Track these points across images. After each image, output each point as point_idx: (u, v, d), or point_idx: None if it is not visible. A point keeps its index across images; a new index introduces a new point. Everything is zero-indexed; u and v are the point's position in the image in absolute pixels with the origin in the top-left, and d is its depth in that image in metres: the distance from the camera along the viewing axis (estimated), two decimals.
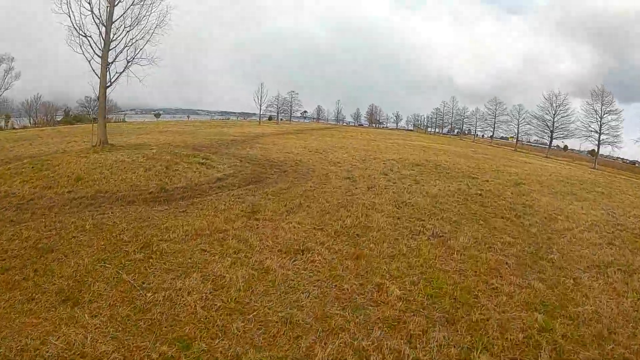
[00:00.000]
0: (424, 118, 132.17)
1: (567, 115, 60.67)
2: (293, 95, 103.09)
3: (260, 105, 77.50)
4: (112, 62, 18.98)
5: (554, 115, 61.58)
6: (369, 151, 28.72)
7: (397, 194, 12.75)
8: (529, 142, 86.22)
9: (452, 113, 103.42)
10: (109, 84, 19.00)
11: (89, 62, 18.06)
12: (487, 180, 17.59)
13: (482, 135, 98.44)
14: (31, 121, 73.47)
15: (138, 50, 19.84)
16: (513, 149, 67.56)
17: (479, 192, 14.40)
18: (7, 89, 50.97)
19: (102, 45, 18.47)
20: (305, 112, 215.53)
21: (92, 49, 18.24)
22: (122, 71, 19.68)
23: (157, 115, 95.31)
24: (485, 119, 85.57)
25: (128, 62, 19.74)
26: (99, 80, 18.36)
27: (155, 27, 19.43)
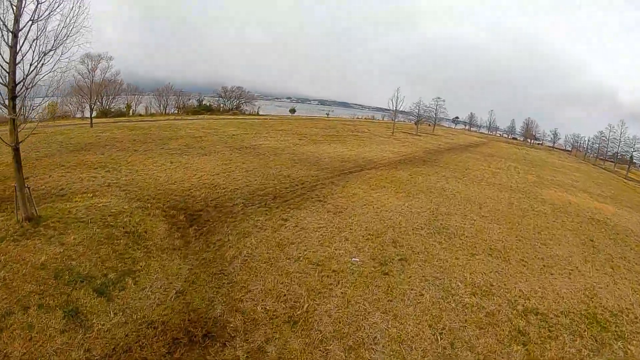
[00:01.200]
0: (585, 141, 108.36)
1: None
2: (439, 103, 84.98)
3: (395, 111, 63.33)
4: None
5: None
6: None
7: None
8: None
9: (619, 141, 79.81)
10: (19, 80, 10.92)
11: None
12: None
13: None
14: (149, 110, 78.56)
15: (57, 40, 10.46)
16: None
17: None
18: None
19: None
20: (456, 117, 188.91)
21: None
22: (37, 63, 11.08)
23: (292, 111, 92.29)
24: None
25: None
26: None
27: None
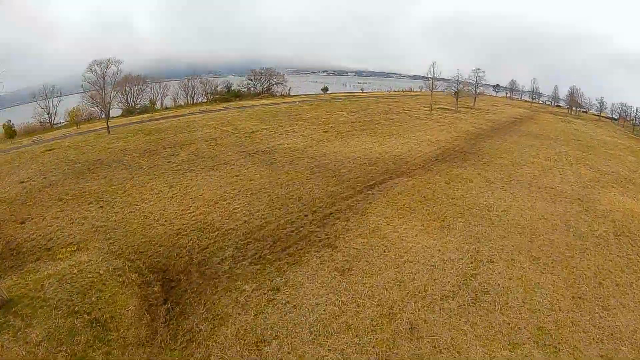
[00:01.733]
0: (635, 110, 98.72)
1: None
2: (478, 74, 75.62)
3: (432, 83, 56.84)
4: None
5: None
6: None
7: None
8: None
9: None
10: None
11: None
12: None
13: None
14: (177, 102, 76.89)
15: None
16: None
17: None
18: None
19: None
20: (497, 85, 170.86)
21: None
22: None
23: (325, 90, 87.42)
24: None
25: None
26: None
27: None
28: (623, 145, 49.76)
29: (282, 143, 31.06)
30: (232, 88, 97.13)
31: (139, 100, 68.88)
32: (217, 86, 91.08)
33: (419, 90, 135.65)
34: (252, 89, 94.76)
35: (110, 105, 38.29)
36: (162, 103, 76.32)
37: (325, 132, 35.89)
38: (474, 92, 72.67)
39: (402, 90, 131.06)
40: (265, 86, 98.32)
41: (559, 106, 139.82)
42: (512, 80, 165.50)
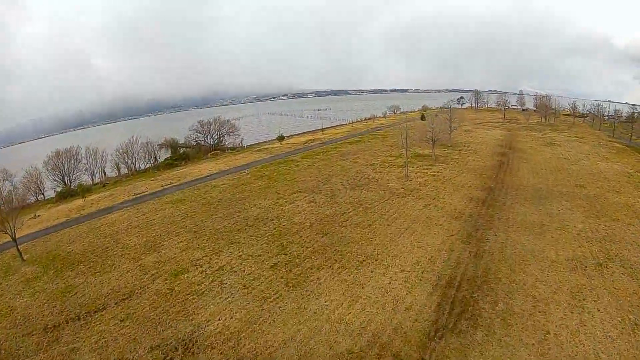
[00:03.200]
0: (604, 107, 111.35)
1: None
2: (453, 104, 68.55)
3: (406, 146, 47.68)
4: None
5: None
6: None
7: None
8: None
9: None
10: None
11: None
12: None
13: None
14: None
15: None
16: None
17: None
18: None
19: None
20: (461, 97, 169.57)
21: None
22: None
23: (281, 139, 77.32)
24: None
25: None
26: None
27: None
28: (624, 174, 43.02)
29: (200, 322, 19.36)
30: (180, 143, 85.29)
31: (74, 178, 61.46)
32: (161, 147, 79.42)
33: (382, 116, 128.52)
34: (202, 143, 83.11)
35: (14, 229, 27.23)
36: (101, 177, 64.64)
37: (272, 269, 24.24)
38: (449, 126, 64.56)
39: (365, 120, 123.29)
40: (215, 138, 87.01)
41: (526, 109, 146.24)
42: (476, 90, 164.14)
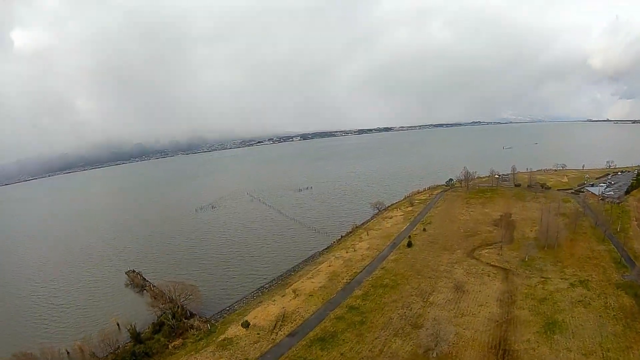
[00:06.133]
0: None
1: None
2: None
3: None
4: None
5: None
6: None
7: None
8: None
9: None
10: None
11: None
12: None
13: None
14: None
15: None
16: None
17: None
18: None
19: None
20: (450, 180, 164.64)
21: None
22: None
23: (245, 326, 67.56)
24: None
25: None
26: None
27: None
28: None
29: None
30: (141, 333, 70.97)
31: None
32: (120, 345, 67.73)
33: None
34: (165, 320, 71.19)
35: None
36: None
37: None
38: None
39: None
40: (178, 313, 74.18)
41: (518, 185, 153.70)
42: (465, 170, 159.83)
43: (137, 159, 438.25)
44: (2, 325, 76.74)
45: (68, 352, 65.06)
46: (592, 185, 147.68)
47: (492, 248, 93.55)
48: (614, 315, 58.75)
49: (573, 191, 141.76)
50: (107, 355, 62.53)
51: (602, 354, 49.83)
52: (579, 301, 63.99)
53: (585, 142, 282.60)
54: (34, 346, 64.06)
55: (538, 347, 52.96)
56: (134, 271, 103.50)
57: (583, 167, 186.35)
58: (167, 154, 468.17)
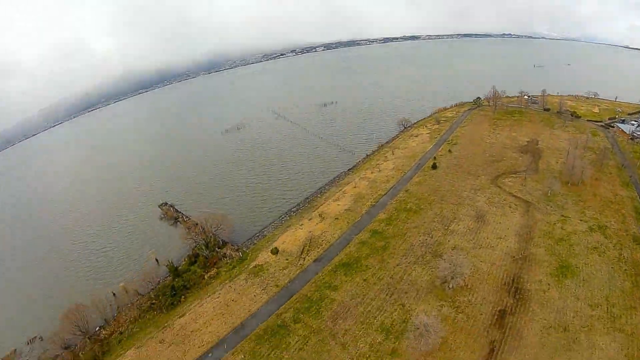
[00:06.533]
0: None
1: None
2: None
3: None
4: None
5: None
6: None
7: None
8: None
9: None
10: None
11: None
12: None
13: None
14: None
15: None
16: None
17: None
18: None
19: None
20: (478, 99, 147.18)
21: None
22: None
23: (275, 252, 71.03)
24: None
25: None
26: None
27: None
28: None
29: None
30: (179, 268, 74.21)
31: None
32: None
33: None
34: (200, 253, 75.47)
35: None
36: None
37: None
38: None
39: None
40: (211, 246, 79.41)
41: (548, 109, 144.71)
42: (494, 89, 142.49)
43: (159, 85, 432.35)
44: (56, 280, 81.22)
45: (114, 294, 71.75)
46: (623, 122, 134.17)
47: (516, 177, 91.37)
48: (625, 270, 57.01)
49: (603, 124, 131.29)
50: (149, 292, 69.00)
51: (607, 308, 49.60)
52: (594, 247, 62.30)
53: (621, 71, 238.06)
54: (85, 297, 68.43)
55: (549, 289, 52.89)
56: (166, 204, 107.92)
57: (616, 98, 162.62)
58: (189, 76, 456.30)
